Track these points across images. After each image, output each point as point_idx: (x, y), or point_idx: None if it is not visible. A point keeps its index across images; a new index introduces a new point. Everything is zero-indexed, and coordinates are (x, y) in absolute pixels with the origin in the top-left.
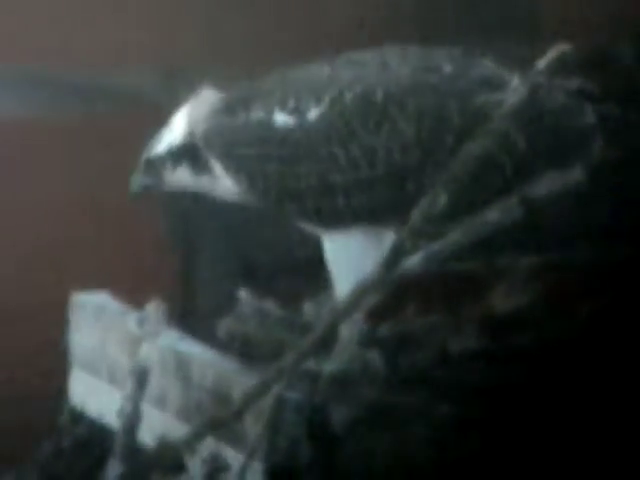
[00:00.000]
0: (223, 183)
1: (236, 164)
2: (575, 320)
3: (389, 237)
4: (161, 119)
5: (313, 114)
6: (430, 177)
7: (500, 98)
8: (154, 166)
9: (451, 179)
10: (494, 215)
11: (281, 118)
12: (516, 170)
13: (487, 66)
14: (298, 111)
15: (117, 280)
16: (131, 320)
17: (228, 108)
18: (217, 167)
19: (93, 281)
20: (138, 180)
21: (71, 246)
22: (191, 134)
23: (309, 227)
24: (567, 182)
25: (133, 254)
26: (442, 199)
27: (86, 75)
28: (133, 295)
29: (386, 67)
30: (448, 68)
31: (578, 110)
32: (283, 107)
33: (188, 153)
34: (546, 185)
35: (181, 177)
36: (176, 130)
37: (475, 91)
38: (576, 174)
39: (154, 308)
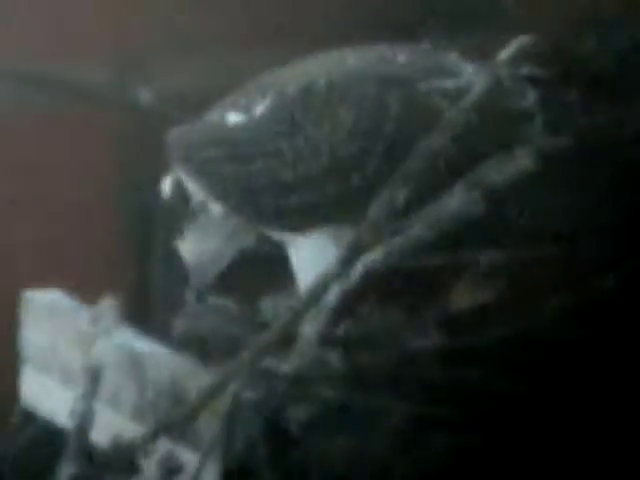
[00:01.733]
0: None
1: (195, 168)
2: (541, 317)
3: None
4: (112, 116)
5: (259, 110)
6: (376, 169)
7: (449, 85)
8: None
9: (410, 173)
10: (453, 206)
11: (232, 117)
12: (467, 155)
13: (442, 56)
14: (246, 109)
15: (70, 278)
16: (84, 318)
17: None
18: (181, 173)
19: (45, 279)
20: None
21: (24, 244)
22: None
23: (271, 233)
24: (517, 169)
25: (87, 251)
26: (401, 193)
27: (37, 69)
28: (86, 293)
29: (342, 62)
30: (401, 58)
31: (520, 93)
32: (235, 106)
33: None
34: (497, 170)
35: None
36: None
37: (419, 79)
38: (524, 161)
39: (107, 306)
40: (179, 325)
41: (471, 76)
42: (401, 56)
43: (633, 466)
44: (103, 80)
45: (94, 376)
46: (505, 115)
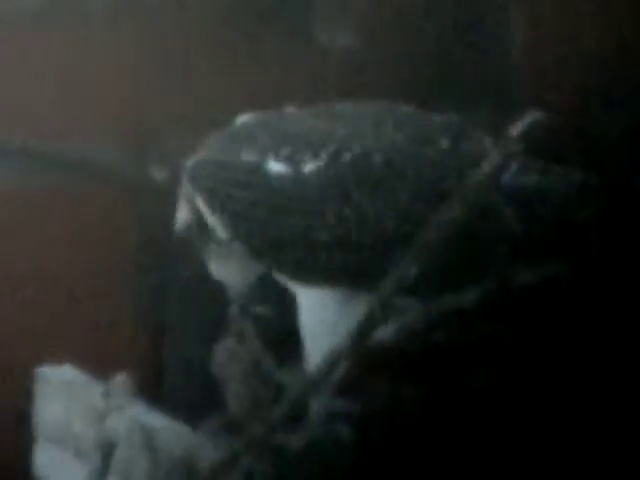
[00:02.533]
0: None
1: (221, 203)
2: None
3: (363, 303)
4: (132, 194)
5: (309, 168)
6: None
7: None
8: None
9: (423, 247)
10: (471, 296)
11: (275, 166)
12: (504, 249)
13: (478, 141)
14: (293, 161)
15: (84, 353)
16: (97, 393)
17: (216, 145)
18: (201, 203)
19: (59, 354)
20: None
21: (37, 319)
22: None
23: (286, 281)
24: (546, 272)
25: (100, 327)
26: (413, 268)
27: (55, 148)
28: (100, 368)
29: (380, 127)
30: (444, 143)
31: (577, 201)
32: (277, 155)
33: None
34: (530, 272)
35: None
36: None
37: (469, 169)
38: (555, 267)
39: (120, 381)
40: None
41: (492, 153)
42: (441, 139)
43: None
44: (120, 158)
45: (107, 451)
46: (563, 221)
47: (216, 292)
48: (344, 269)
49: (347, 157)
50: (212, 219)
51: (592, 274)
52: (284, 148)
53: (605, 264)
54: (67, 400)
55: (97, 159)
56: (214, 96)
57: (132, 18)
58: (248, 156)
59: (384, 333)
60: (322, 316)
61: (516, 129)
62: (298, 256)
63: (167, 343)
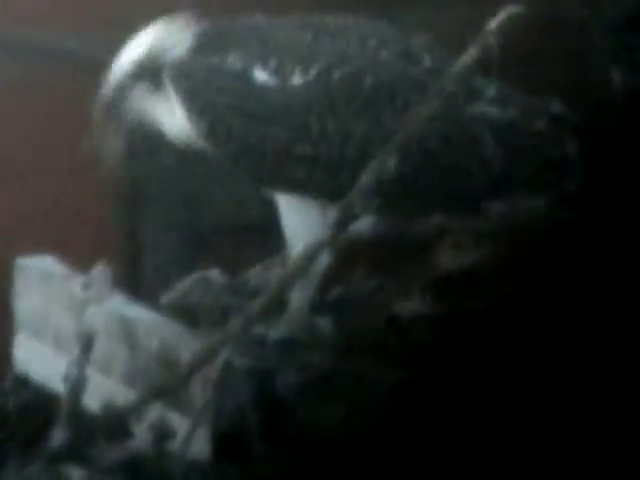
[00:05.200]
0: (180, 122)
1: (201, 108)
2: (527, 283)
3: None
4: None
5: (297, 81)
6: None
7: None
8: (117, 86)
9: (400, 141)
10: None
11: (261, 75)
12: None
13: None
14: (281, 73)
15: (63, 243)
16: (76, 284)
17: (201, 48)
18: (178, 106)
19: (38, 244)
20: (102, 103)
21: (14, 209)
22: (156, 58)
23: (263, 188)
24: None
25: (79, 217)
26: (392, 162)
27: (26, 35)
28: (79, 259)
29: (366, 45)
30: (427, 61)
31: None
32: (264, 64)
33: (150, 75)
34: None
35: (140, 97)
36: (141, 48)
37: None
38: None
39: (99, 272)
40: (167, 297)
41: (468, 50)
42: (424, 58)
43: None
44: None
45: (86, 342)
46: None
47: (190, 180)
48: (324, 184)
49: (337, 75)
50: (187, 122)
51: (569, 211)
52: (272, 58)
53: (583, 201)
54: (46, 292)
55: (74, 47)
56: None
57: None
58: (234, 62)
59: (362, 226)
60: (302, 218)
61: (494, 23)
62: (277, 167)
63: (144, 232)
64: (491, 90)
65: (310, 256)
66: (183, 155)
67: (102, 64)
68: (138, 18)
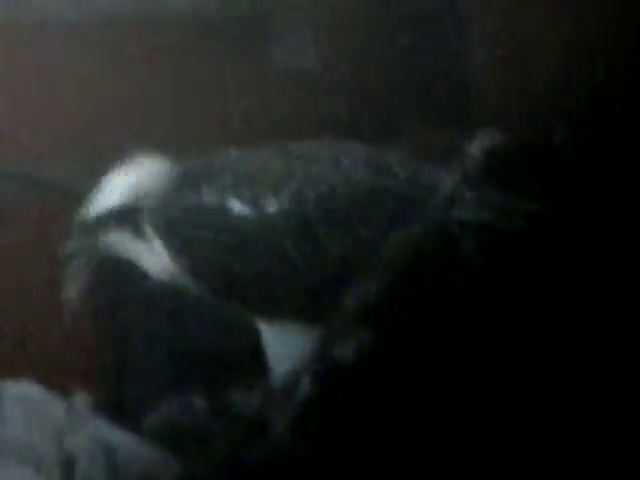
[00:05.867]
0: (161, 259)
1: (181, 245)
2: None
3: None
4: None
5: (271, 207)
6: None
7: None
8: (90, 227)
9: (382, 267)
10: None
11: (237, 206)
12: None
13: (435, 174)
14: (255, 202)
15: (42, 368)
16: (57, 409)
17: (177, 185)
18: (158, 245)
19: (18, 368)
20: (72, 242)
21: None
22: (135, 200)
23: (246, 315)
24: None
25: (59, 340)
26: (373, 288)
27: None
28: (59, 383)
29: (338, 164)
30: (403, 174)
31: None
32: (239, 195)
33: (130, 218)
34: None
35: (118, 241)
36: (117, 192)
37: (429, 196)
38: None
39: (81, 396)
40: (150, 420)
41: (452, 176)
42: (399, 170)
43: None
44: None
45: (67, 467)
46: None
47: (175, 307)
48: (305, 307)
49: (310, 195)
50: (168, 260)
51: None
52: (246, 188)
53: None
54: (27, 416)
55: (52, 176)
56: (172, 115)
57: (99, 38)
58: (210, 196)
59: (343, 352)
60: (284, 344)
61: (474, 148)
62: (260, 294)
63: (127, 357)
64: (468, 194)
65: (292, 383)
66: (164, 286)
67: (83, 194)
68: (120, 149)
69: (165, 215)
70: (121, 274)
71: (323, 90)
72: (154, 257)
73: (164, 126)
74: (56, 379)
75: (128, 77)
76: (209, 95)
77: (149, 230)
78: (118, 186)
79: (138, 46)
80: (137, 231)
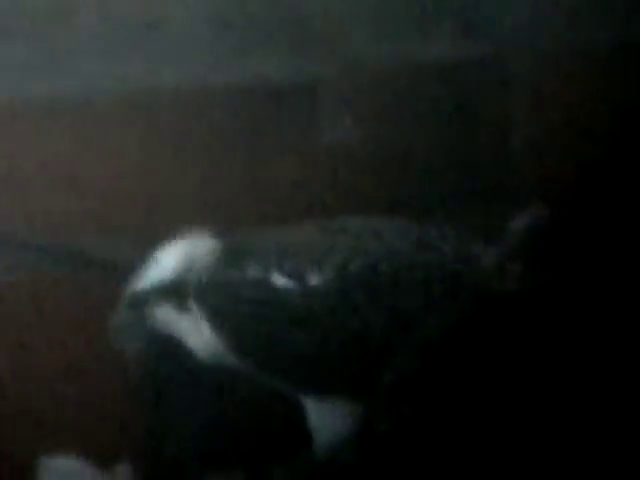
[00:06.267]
0: (205, 335)
1: (225, 321)
2: None
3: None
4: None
5: (314, 281)
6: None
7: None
8: (137, 301)
9: (426, 345)
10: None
11: (279, 280)
12: None
13: (478, 249)
14: (297, 275)
15: (84, 442)
16: None
17: (222, 261)
18: (202, 320)
19: (60, 442)
20: (119, 316)
21: (38, 407)
22: (182, 276)
23: (289, 390)
24: None
25: (101, 413)
26: (415, 362)
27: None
28: (101, 457)
29: (381, 239)
30: (447, 249)
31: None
32: (281, 269)
33: (176, 293)
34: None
35: (164, 316)
36: (166, 267)
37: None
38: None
39: (122, 471)
40: None
41: (490, 253)
42: (443, 245)
43: None
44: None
45: None
46: None
47: (217, 381)
48: (348, 378)
49: (353, 269)
50: (213, 338)
51: None
52: (289, 262)
53: None
54: None
55: (99, 253)
56: (213, 192)
57: (135, 113)
58: (253, 271)
59: (384, 426)
60: (328, 420)
61: (517, 224)
62: (303, 369)
63: (168, 431)
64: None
65: (333, 457)
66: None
67: (120, 270)
68: (168, 225)
69: (209, 290)
70: (166, 348)
71: (366, 166)
72: (199, 333)
73: (210, 201)
74: (97, 453)
75: (174, 153)
76: (255, 170)
77: (194, 306)
78: (165, 262)
79: (185, 121)
80: (183, 307)
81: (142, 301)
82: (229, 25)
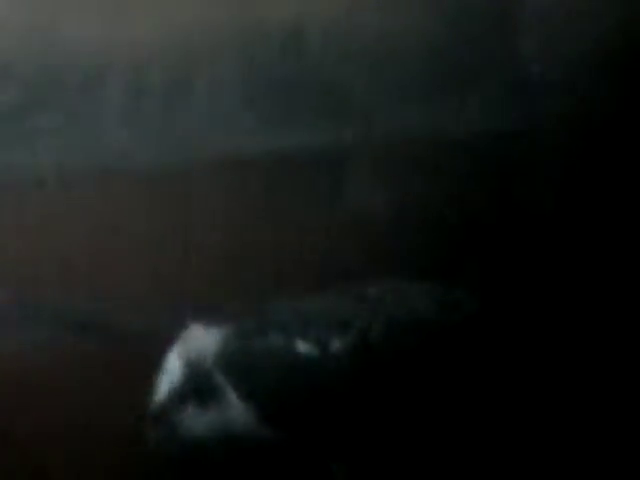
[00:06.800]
0: (233, 412)
1: (251, 391)
2: None
3: None
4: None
5: (335, 345)
6: None
7: None
8: (160, 416)
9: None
10: None
11: (302, 346)
12: None
13: None
14: (320, 341)
15: None
16: None
17: (241, 334)
18: (231, 394)
19: None
20: (151, 434)
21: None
22: (195, 366)
23: (317, 456)
24: None
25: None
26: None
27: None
28: None
29: (403, 302)
30: (468, 308)
31: None
32: (303, 335)
33: (192, 387)
34: None
35: (188, 417)
36: (173, 370)
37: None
38: None
39: None
40: None
41: None
42: (463, 303)
43: None
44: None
45: None
46: None
47: (248, 452)
48: (375, 443)
49: (375, 332)
50: (240, 410)
51: None
52: (311, 329)
53: None
54: None
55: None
56: (239, 262)
57: (168, 182)
58: (276, 339)
59: None
60: None
61: None
62: (329, 435)
63: None
64: None
65: None
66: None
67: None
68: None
69: (234, 360)
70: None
71: (391, 233)
72: (227, 405)
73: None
74: None
75: (204, 223)
76: (281, 239)
77: (220, 377)
78: (173, 363)
79: (217, 195)
80: (205, 396)
81: (163, 413)
82: (257, 93)
